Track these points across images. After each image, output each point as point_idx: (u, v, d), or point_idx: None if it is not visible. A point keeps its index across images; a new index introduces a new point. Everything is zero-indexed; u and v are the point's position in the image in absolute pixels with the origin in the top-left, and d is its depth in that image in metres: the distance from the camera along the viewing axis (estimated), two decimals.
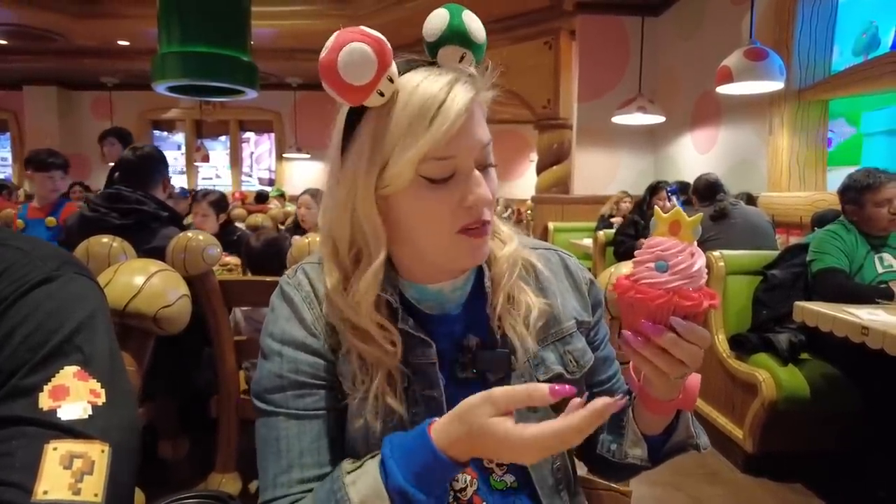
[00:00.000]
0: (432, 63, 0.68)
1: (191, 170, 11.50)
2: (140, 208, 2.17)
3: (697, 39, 5.25)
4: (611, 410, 0.54)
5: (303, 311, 0.71)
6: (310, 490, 0.66)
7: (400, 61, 0.66)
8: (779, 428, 2.45)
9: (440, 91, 0.62)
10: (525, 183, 10.92)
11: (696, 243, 0.59)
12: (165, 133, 11.81)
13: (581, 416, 0.54)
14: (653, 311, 0.58)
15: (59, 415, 0.55)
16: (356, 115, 0.66)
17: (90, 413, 0.57)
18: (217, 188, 9.24)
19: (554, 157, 6.65)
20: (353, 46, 0.60)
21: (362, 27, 0.63)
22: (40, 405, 0.55)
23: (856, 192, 2.46)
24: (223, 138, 11.72)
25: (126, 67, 9.15)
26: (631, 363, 0.68)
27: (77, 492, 0.53)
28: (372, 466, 0.59)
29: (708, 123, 5.11)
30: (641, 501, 2.39)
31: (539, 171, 6.90)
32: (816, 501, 2.31)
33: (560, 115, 6.52)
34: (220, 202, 3.40)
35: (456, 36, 0.66)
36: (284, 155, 10.79)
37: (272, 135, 11.40)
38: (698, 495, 2.36)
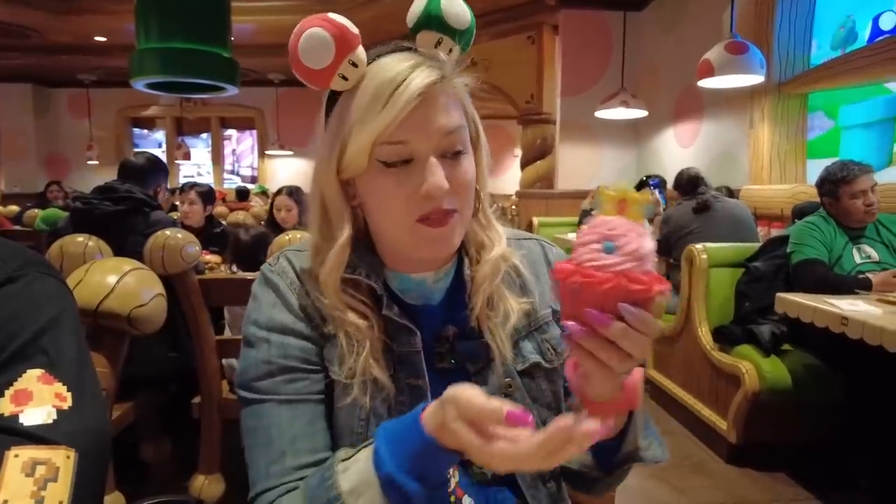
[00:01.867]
0: (409, 48, 0.68)
1: (172, 168, 11.33)
2: (131, 196, 2.29)
3: (679, 34, 5.27)
4: (585, 437, 0.48)
5: (288, 296, 0.70)
6: (304, 477, 0.63)
7: (377, 49, 0.67)
8: (762, 418, 2.48)
9: (398, 75, 0.62)
10: (509, 178, 10.92)
11: (645, 223, 0.54)
12: (145, 131, 11.63)
13: (540, 439, 0.49)
14: (600, 297, 0.52)
15: (21, 420, 0.54)
16: (333, 100, 0.68)
17: (55, 418, 0.55)
18: None
19: (538, 152, 6.65)
20: (311, 32, 0.62)
21: (330, 14, 0.64)
22: (1, 410, 0.54)
23: (831, 185, 2.49)
24: (204, 136, 11.57)
25: (104, 64, 8.98)
26: (568, 360, 0.60)
27: (40, 500, 0.51)
28: (365, 454, 0.58)
29: (690, 117, 5.14)
30: (626, 493, 2.41)
31: (523, 166, 6.90)
32: (799, 490, 2.34)
33: (543, 110, 6.52)
34: (208, 194, 3.38)
35: (431, 20, 0.66)
36: (267, 152, 10.68)
37: (254, 132, 11.27)
38: (683, 486, 2.38)
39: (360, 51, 0.64)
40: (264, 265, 0.75)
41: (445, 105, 0.65)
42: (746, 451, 2.53)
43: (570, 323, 0.54)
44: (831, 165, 2.55)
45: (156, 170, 2.52)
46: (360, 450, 0.59)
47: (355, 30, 0.64)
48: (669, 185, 4.35)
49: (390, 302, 0.69)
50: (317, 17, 0.63)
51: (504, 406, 0.50)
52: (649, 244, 0.53)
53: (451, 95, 0.66)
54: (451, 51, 0.67)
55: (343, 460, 0.59)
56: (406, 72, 0.62)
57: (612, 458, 0.69)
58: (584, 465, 0.71)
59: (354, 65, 0.64)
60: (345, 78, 0.64)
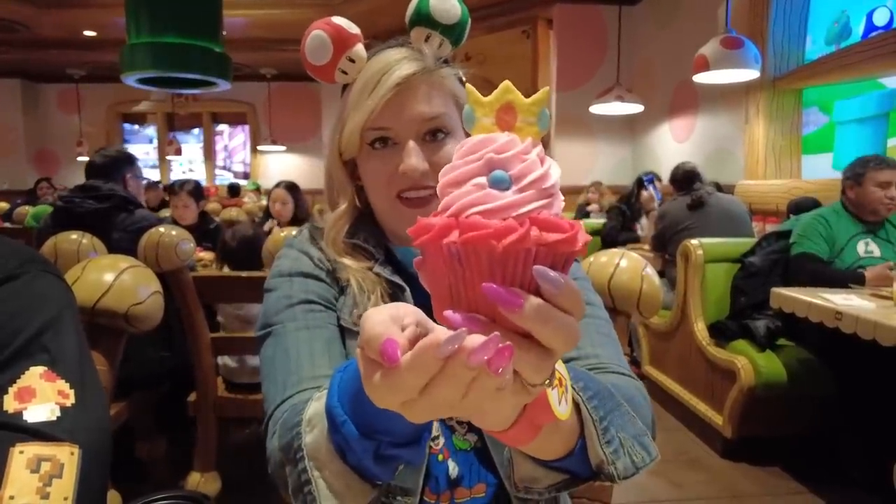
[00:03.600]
0: (402, 45, 0.75)
1: (163, 164, 11.26)
2: (114, 194, 2.31)
3: (674, 28, 5.28)
4: (460, 357, 0.33)
5: (310, 251, 0.78)
6: (318, 387, 0.61)
7: (379, 45, 0.76)
8: (757, 413, 2.50)
9: (383, 67, 0.70)
10: None
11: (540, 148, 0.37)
12: (136, 126, 11.53)
13: (407, 361, 0.35)
14: (501, 259, 0.33)
15: (25, 417, 0.54)
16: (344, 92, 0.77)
17: (58, 415, 0.56)
18: None
19: None
20: (313, 34, 0.71)
21: (333, 17, 0.72)
22: (5, 407, 0.54)
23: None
24: (196, 131, 11.49)
25: (93, 59, 8.89)
26: None
27: (46, 496, 0.51)
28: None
29: (685, 112, 5.16)
30: (622, 488, 2.42)
31: None
32: (793, 484, 2.36)
33: None
34: (197, 190, 3.36)
35: (421, 17, 0.72)
36: (259, 147, 10.62)
37: (246, 127, 11.20)
38: (679, 481, 2.39)
39: (358, 48, 0.72)
40: (288, 237, 0.84)
41: (427, 94, 0.71)
42: (741, 446, 2.54)
43: (452, 315, 0.35)
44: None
45: (118, 162, 2.49)
46: None
47: (355, 30, 0.72)
48: (665, 179, 4.36)
49: (385, 262, 0.76)
50: (322, 20, 0.72)
51: (386, 335, 0.36)
52: (556, 172, 0.36)
53: (434, 85, 0.72)
54: (440, 45, 0.73)
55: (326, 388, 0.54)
56: (391, 65, 0.70)
57: (586, 477, 0.57)
58: (562, 483, 0.57)
59: (352, 60, 0.72)
60: (344, 72, 0.72)
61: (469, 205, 0.34)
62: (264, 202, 6.38)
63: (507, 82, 0.37)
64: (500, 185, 0.34)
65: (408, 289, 0.74)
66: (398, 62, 0.70)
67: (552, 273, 0.34)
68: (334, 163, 0.78)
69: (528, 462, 0.54)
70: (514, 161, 0.35)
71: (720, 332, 2.71)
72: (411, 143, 0.70)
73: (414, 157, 0.70)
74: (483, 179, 0.35)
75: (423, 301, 0.70)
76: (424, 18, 0.72)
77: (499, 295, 0.33)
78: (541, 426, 0.43)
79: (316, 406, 0.53)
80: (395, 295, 0.74)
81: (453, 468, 0.71)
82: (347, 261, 0.75)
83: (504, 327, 0.34)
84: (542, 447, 0.51)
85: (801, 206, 3.04)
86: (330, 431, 0.49)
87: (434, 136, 0.72)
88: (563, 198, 0.37)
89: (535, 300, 0.34)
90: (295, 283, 0.75)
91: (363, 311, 0.70)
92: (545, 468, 0.55)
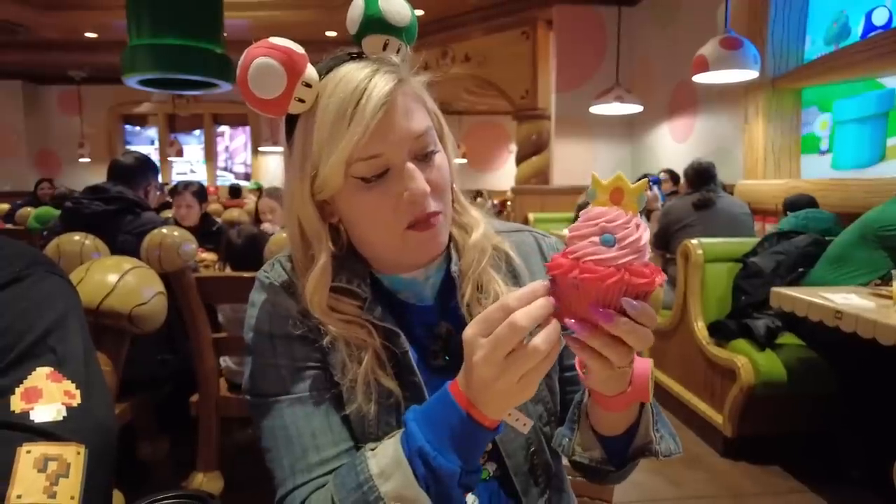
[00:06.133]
0: (358, 55, 0.67)
1: (165, 165, 11.28)
2: (122, 197, 2.30)
3: (674, 29, 5.29)
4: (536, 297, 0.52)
5: (286, 302, 0.70)
6: (331, 471, 0.64)
7: (323, 61, 0.66)
8: (757, 412, 2.50)
9: (356, 87, 0.61)
10: (505, 174, 10.93)
11: (640, 214, 0.53)
12: (137, 128, 11.56)
13: (514, 294, 0.53)
14: (602, 292, 0.50)
15: (32, 417, 0.54)
16: (292, 122, 0.67)
17: (65, 415, 0.56)
18: None
19: (533, 148, 6.67)
20: (258, 62, 0.61)
21: (272, 39, 0.63)
22: (12, 408, 0.54)
23: None
24: (197, 132, 11.52)
25: (94, 60, 8.91)
26: (577, 357, 0.59)
27: (52, 495, 0.52)
28: (394, 437, 0.59)
29: (685, 112, 5.16)
30: (623, 486, 2.42)
31: (518, 161, 6.91)
32: (793, 482, 2.37)
33: (538, 105, 6.53)
34: (201, 192, 3.37)
35: (374, 23, 0.65)
36: (260, 148, 10.64)
37: (247, 128, 11.23)
38: (678, 480, 2.40)
39: (311, 70, 0.63)
40: (259, 272, 0.75)
41: (409, 108, 0.64)
42: (741, 445, 2.55)
43: (573, 322, 0.52)
44: None
45: (145, 169, 2.49)
46: (390, 437, 0.60)
47: (301, 50, 0.63)
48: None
49: (373, 304, 0.69)
50: (261, 45, 0.62)
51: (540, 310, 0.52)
52: (647, 235, 0.52)
53: (411, 96, 0.65)
54: (398, 50, 0.67)
55: (372, 449, 0.60)
56: (364, 82, 0.61)
57: (623, 452, 0.68)
58: (597, 460, 0.69)
59: (308, 85, 0.63)
60: (301, 100, 0.63)
61: (587, 254, 0.51)
62: None
63: (620, 173, 0.53)
64: (608, 243, 0.50)
65: (402, 334, 0.69)
66: (370, 77, 0.62)
67: (634, 302, 0.50)
68: (306, 208, 0.66)
69: (591, 434, 0.68)
70: (618, 228, 0.51)
71: (720, 332, 2.72)
72: (411, 166, 0.64)
73: (419, 181, 0.63)
74: (597, 238, 0.51)
75: (417, 342, 0.71)
76: (377, 24, 0.65)
77: (601, 315, 0.50)
78: (634, 401, 0.62)
79: (376, 462, 0.58)
80: (390, 340, 0.69)
81: (473, 501, 0.71)
82: (333, 326, 0.67)
83: (604, 333, 0.51)
84: (613, 423, 0.66)
85: (797, 203, 3.05)
86: (416, 470, 0.56)
87: (426, 156, 0.66)
88: (650, 249, 0.52)
89: (623, 319, 0.50)
90: (277, 348, 0.69)
91: (355, 371, 0.66)
92: (599, 442, 0.68)
